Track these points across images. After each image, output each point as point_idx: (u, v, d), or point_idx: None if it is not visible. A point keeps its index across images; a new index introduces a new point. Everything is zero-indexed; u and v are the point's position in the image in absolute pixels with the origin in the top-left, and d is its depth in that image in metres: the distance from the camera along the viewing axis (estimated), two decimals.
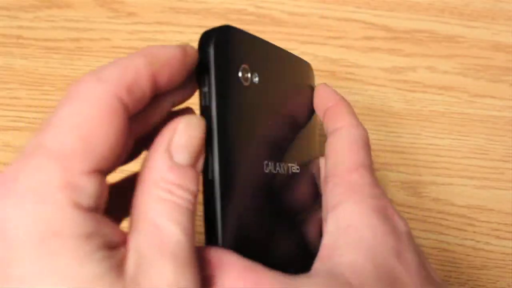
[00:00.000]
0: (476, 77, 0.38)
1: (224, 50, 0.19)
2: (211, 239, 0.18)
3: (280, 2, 0.40)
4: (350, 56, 0.38)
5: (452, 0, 0.40)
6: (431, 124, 0.36)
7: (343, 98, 0.25)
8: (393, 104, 0.37)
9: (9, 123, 0.37)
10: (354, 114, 0.24)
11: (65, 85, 0.38)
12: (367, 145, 0.23)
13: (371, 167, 0.22)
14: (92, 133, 0.15)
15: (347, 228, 0.20)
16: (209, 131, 0.18)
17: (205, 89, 0.18)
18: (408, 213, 0.34)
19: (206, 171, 0.18)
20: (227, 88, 0.19)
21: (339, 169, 0.22)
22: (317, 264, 0.19)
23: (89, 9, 0.40)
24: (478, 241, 0.33)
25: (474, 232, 0.33)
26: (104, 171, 0.15)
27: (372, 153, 0.35)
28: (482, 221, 0.33)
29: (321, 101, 0.25)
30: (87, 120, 0.15)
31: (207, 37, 0.18)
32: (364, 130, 0.23)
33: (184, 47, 0.17)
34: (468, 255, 0.33)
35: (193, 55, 0.18)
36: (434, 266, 0.33)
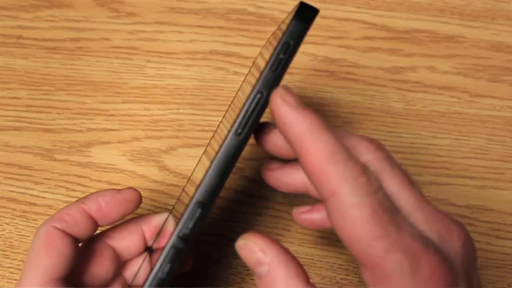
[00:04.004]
0: (476, 77, 0.38)
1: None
2: None
3: (280, 2, 0.40)
4: (350, 56, 0.38)
5: (452, 0, 0.40)
6: (431, 124, 0.36)
7: (317, 124, 0.19)
8: (393, 104, 0.37)
9: (9, 123, 0.37)
10: (340, 148, 0.19)
11: (65, 85, 0.38)
12: (384, 207, 0.19)
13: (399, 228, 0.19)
14: (38, 255, 0.22)
15: None
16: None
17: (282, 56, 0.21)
18: None
19: None
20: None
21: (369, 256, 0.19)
22: None
23: (89, 9, 0.40)
24: (478, 241, 0.33)
25: (474, 232, 0.33)
26: (58, 278, 0.22)
27: None
28: (482, 221, 0.33)
29: (290, 132, 0.20)
30: (37, 250, 0.22)
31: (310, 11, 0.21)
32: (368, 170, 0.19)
33: (126, 195, 0.24)
34: None
35: (133, 201, 0.24)
36: None
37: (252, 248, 0.21)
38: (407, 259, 0.18)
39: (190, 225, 0.21)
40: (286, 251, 0.20)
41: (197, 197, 0.21)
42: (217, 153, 0.21)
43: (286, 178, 0.23)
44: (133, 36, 0.39)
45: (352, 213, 0.18)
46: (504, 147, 0.35)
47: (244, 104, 0.21)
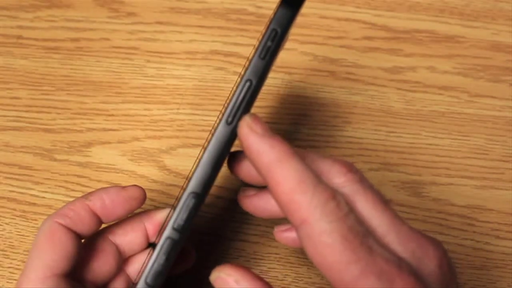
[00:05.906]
0: (476, 77, 0.38)
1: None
2: None
3: None
4: (350, 56, 0.38)
5: (452, 0, 0.40)
6: (431, 124, 0.36)
7: (287, 151, 0.19)
8: (393, 104, 0.37)
9: (9, 123, 0.37)
10: (310, 175, 0.19)
11: (65, 85, 0.38)
12: (355, 232, 0.19)
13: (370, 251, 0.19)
14: (42, 248, 0.22)
15: None
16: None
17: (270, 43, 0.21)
18: (408, 213, 0.34)
19: None
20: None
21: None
22: None
23: (89, 9, 0.40)
24: (478, 241, 0.33)
25: (474, 232, 0.33)
26: (60, 273, 0.22)
27: (372, 153, 0.35)
28: (482, 221, 0.33)
29: (259, 161, 0.20)
30: (40, 243, 0.22)
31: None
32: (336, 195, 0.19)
33: (131, 192, 0.24)
34: (468, 255, 0.33)
35: (137, 198, 0.24)
36: None
37: (226, 279, 0.21)
38: (380, 282, 0.18)
39: (184, 216, 0.21)
40: (260, 279, 0.20)
41: (190, 187, 0.21)
42: (208, 143, 0.21)
43: (263, 204, 0.23)
44: (133, 36, 0.39)
45: (323, 239, 0.18)
46: (504, 147, 0.35)
47: (234, 93, 0.21)
